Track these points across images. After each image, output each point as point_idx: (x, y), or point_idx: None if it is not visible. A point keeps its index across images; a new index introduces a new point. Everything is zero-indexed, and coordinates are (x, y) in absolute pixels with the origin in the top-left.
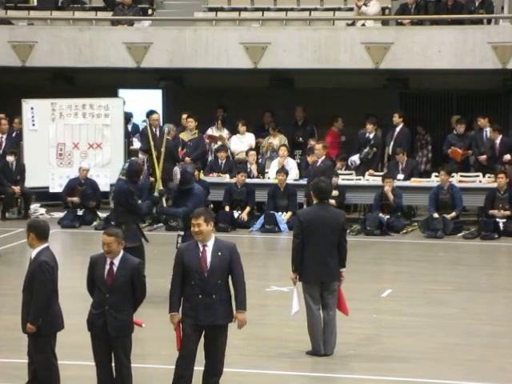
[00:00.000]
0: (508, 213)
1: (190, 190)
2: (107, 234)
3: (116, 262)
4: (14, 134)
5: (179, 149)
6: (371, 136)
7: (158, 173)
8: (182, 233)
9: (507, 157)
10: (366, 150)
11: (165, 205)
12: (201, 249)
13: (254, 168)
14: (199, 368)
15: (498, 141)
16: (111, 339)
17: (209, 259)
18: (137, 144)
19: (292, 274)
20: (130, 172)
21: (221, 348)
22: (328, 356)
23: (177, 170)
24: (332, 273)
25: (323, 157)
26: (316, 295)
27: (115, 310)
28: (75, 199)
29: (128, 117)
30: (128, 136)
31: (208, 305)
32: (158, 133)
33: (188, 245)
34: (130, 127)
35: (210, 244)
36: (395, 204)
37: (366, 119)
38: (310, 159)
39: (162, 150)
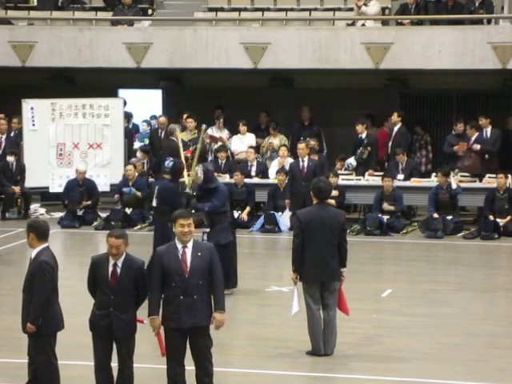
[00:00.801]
0: (509, 218)
1: (215, 188)
2: (115, 236)
3: (119, 263)
4: (12, 134)
5: (190, 148)
6: (363, 136)
7: (193, 170)
8: (208, 230)
9: (476, 146)
10: (359, 151)
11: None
12: (180, 250)
13: (253, 166)
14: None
15: (473, 138)
16: (115, 340)
17: (189, 260)
18: (137, 144)
19: (292, 274)
20: (173, 171)
21: (206, 349)
22: (328, 356)
23: (199, 169)
24: (332, 273)
25: (307, 157)
26: (316, 295)
27: (120, 311)
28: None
29: (128, 116)
30: (131, 136)
31: (189, 306)
32: (162, 134)
33: (167, 247)
34: (130, 127)
35: (190, 245)
36: (396, 210)
37: (355, 120)
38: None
39: (198, 145)
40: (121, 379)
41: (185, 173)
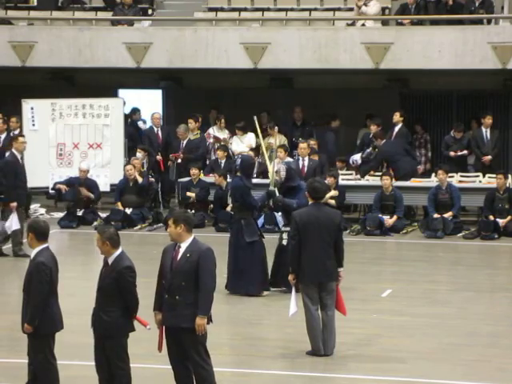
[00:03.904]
0: (509, 218)
1: (297, 187)
2: (97, 231)
3: (109, 262)
4: (12, 134)
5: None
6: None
7: (271, 167)
8: (288, 229)
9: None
10: (368, 151)
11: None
12: (175, 250)
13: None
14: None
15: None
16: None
17: (177, 260)
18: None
19: (290, 275)
20: (243, 167)
21: (191, 352)
22: (328, 356)
23: (282, 167)
24: (330, 273)
25: (307, 156)
26: (314, 296)
27: (101, 310)
28: (62, 187)
29: (135, 124)
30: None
31: (171, 305)
32: (159, 132)
33: (171, 245)
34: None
35: (184, 245)
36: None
37: (370, 120)
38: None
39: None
40: (114, 379)
41: (270, 170)
